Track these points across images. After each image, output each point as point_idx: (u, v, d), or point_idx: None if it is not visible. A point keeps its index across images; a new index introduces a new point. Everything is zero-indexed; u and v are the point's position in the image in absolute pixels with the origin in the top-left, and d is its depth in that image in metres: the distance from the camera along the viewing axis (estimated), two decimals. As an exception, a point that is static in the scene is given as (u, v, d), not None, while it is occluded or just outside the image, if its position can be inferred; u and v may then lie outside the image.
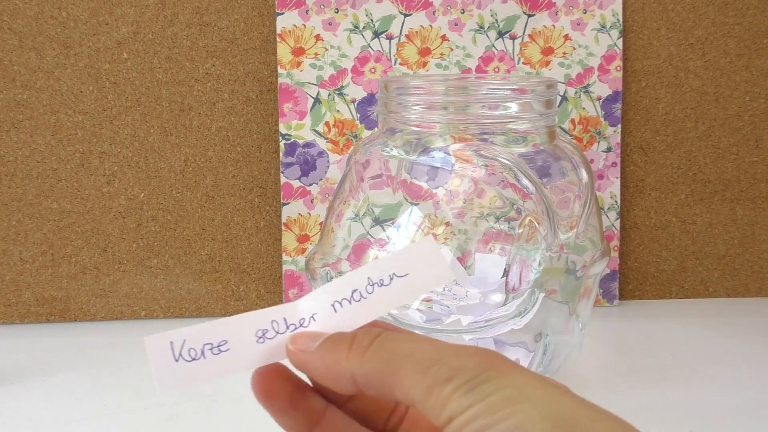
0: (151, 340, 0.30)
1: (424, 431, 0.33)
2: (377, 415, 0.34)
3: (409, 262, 0.33)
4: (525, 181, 0.51)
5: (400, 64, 0.69)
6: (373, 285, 0.32)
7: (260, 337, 0.31)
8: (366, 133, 0.70)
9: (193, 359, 0.30)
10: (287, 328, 0.32)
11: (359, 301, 0.32)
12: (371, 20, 0.69)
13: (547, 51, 0.71)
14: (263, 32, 0.69)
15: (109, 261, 0.70)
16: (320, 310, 0.32)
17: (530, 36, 0.70)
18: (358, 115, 0.69)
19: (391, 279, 0.32)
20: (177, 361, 0.30)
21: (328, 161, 0.70)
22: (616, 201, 0.72)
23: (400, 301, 0.33)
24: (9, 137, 0.67)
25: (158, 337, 0.30)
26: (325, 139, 0.69)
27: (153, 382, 0.29)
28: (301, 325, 0.32)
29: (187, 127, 0.69)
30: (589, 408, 0.26)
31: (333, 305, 0.32)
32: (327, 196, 0.70)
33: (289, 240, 0.70)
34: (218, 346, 0.31)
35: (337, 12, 0.68)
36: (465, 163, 0.52)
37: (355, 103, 0.69)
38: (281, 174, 0.69)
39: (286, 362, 0.31)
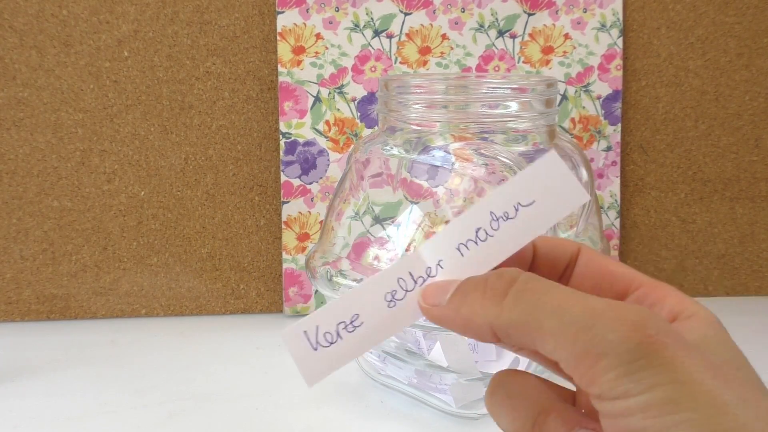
0: (286, 334, 0.29)
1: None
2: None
3: (533, 186, 0.29)
4: (525, 180, 0.51)
5: (400, 62, 0.70)
6: (497, 220, 0.29)
7: (390, 301, 0.29)
8: (366, 132, 0.70)
9: (331, 343, 0.29)
10: (415, 283, 0.29)
11: (485, 240, 0.29)
12: (372, 19, 0.69)
13: (548, 50, 0.71)
14: (264, 30, 0.69)
15: (110, 259, 0.70)
16: (446, 256, 0.29)
17: (530, 35, 0.70)
18: (359, 114, 0.70)
19: (517, 210, 0.29)
20: (316, 350, 0.29)
21: (329, 160, 0.70)
22: (615, 200, 0.73)
23: (532, 234, 0.29)
24: (10, 135, 0.68)
25: (292, 330, 0.29)
26: (326, 137, 0.69)
27: (300, 378, 0.28)
28: (429, 276, 0.29)
29: (187, 125, 0.69)
30: None
31: (458, 248, 0.29)
32: (327, 194, 0.70)
33: (289, 238, 0.70)
34: (351, 322, 0.29)
35: (337, 11, 0.68)
36: (465, 161, 0.52)
37: (356, 102, 0.69)
38: (281, 172, 0.69)
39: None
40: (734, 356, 0.26)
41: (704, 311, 0.28)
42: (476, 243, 0.29)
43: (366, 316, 0.29)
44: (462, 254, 0.29)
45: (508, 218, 0.29)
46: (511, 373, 0.30)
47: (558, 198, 0.29)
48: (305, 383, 0.29)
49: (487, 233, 0.29)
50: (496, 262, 0.29)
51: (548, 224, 0.29)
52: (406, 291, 0.29)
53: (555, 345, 0.25)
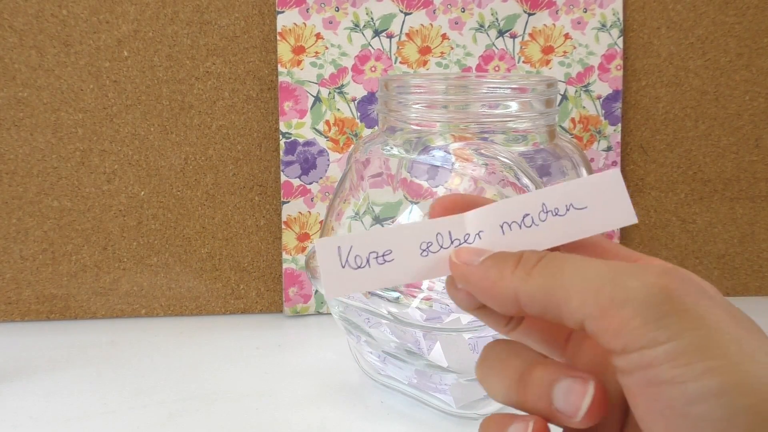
0: (321, 243, 0.30)
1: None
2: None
3: (590, 194, 0.30)
4: (525, 180, 0.51)
5: (400, 62, 0.70)
6: (547, 212, 0.30)
7: (424, 250, 0.30)
8: (366, 132, 0.70)
9: (359, 267, 0.30)
10: (452, 242, 0.30)
11: (530, 227, 0.30)
12: (372, 19, 0.69)
13: (548, 50, 0.71)
14: (264, 30, 0.69)
15: (110, 259, 0.70)
16: (487, 229, 0.30)
17: (530, 35, 0.70)
18: (359, 114, 0.69)
19: (568, 210, 0.30)
20: (343, 267, 0.30)
21: (329, 160, 0.70)
22: (615, 200, 0.72)
23: (574, 235, 0.30)
24: (10, 135, 0.67)
25: (328, 241, 0.30)
26: (326, 137, 0.69)
27: (321, 288, 0.29)
28: (465, 241, 0.30)
29: (187, 125, 0.69)
30: None
31: (501, 226, 0.30)
32: (327, 194, 0.70)
33: (289, 238, 0.70)
34: (383, 255, 0.30)
35: (337, 10, 0.68)
36: (465, 161, 0.52)
37: (356, 102, 0.69)
38: (281, 172, 0.69)
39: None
40: (747, 318, 0.26)
41: (706, 283, 0.28)
42: (520, 227, 0.30)
43: (398, 254, 0.30)
44: (503, 232, 0.30)
45: (557, 214, 0.30)
46: (500, 341, 0.30)
47: (609, 212, 0.30)
48: (325, 294, 0.29)
49: (533, 221, 0.30)
50: (534, 248, 0.30)
51: (593, 232, 0.30)
52: (441, 247, 0.30)
53: (578, 303, 0.25)
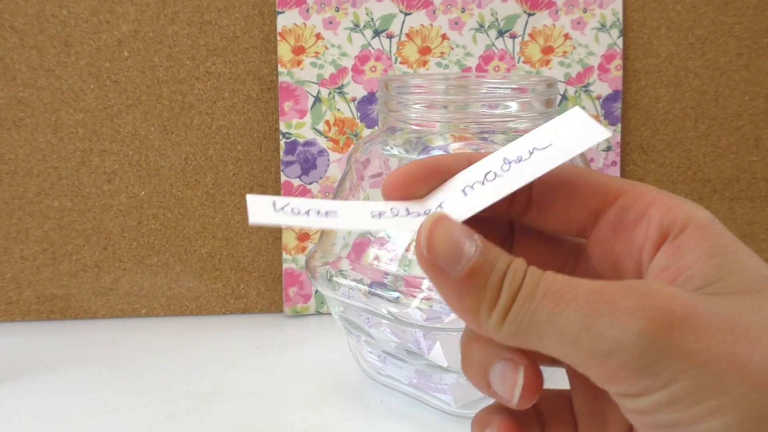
0: (253, 198, 0.27)
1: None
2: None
3: (552, 134, 0.28)
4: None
5: (400, 62, 0.70)
6: (509, 163, 0.27)
7: (375, 215, 0.28)
8: (366, 132, 0.70)
9: (295, 215, 0.27)
10: (408, 214, 0.28)
11: (493, 180, 0.27)
12: (372, 19, 0.69)
13: (548, 50, 0.71)
14: (264, 31, 0.69)
15: (110, 259, 0.70)
16: (448, 198, 0.28)
17: (530, 35, 0.70)
18: (359, 114, 0.70)
19: (531, 153, 0.27)
20: (276, 213, 0.27)
21: (329, 160, 0.70)
22: (615, 200, 0.72)
23: (543, 168, 0.27)
24: (10, 135, 0.68)
25: (261, 198, 0.27)
26: (326, 137, 0.69)
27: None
28: (425, 214, 0.28)
29: (187, 125, 0.69)
30: None
31: (463, 190, 0.28)
32: (327, 194, 0.70)
33: (289, 238, 0.70)
34: (326, 213, 0.28)
35: (337, 11, 0.68)
36: (465, 161, 0.52)
37: (356, 102, 0.69)
38: (281, 172, 0.69)
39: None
40: (740, 269, 0.24)
41: (699, 214, 0.26)
42: (482, 183, 0.27)
43: (344, 215, 0.28)
44: (465, 194, 0.28)
45: (520, 161, 0.27)
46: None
47: (576, 138, 0.27)
48: (249, 219, 0.27)
49: (495, 174, 0.27)
50: (499, 196, 0.27)
51: (562, 159, 0.27)
52: (396, 215, 0.28)
53: (558, 352, 0.23)
